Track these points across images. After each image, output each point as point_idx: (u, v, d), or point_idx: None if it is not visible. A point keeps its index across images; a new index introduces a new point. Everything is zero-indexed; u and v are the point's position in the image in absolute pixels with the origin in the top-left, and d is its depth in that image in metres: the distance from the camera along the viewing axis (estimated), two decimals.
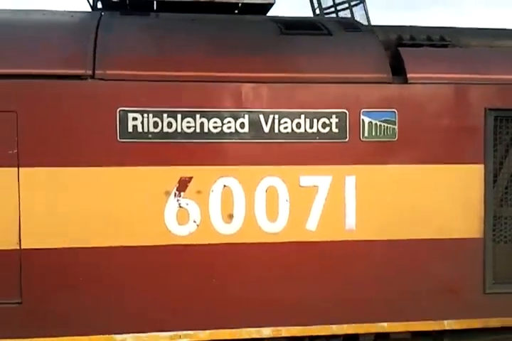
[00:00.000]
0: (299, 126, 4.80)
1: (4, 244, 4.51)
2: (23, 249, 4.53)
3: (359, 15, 14.62)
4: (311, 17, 5.74)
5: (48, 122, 4.54)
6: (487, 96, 5.05)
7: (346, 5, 15.54)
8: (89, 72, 4.56)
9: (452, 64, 5.08)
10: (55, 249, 4.57)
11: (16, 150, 4.49)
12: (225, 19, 5.38)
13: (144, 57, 4.71)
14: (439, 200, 5.02)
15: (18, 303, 4.54)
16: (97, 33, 4.80)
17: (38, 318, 4.58)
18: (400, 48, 5.14)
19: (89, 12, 5.50)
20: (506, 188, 5.17)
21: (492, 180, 5.10)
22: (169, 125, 4.66)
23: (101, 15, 5.21)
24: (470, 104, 5.03)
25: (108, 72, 4.59)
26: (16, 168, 4.50)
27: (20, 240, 4.52)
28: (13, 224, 4.51)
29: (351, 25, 5.48)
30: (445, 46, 5.34)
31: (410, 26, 5.70)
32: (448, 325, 5.12)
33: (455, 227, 5.08)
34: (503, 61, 5.21)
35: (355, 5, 15.21)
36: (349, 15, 14.63)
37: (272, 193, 4.81)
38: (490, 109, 5.04)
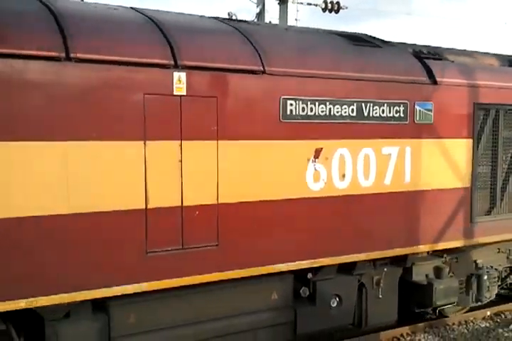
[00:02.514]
0: (383, 111, 6.59)
1: (207, 200, 5.54)
2: (220, 204, 5.61)
3: None
4: (352, 32, 7.35)
5: (236, 106, 5.64)
6: (475, 95, 7.39)
7: None
8: (261, 69, 5.77)
9: (458, 73, 7.32)
10: (240, 202, 5.73)
11: (216, 127, 5.53)
12: (310, 31, 6.90)
13: (296, 59, 6.05)
14: (449, 162, 7.26)
15: (215, 245, 5.63)
16: (248, 39, 5.96)
17: (229, 256, 5.71)
18: (426, 60, 7.20)
19: (216, 18, 6.47)
20: (481, 155, 7.62)
21: (476, 149, 7.49)
22: (311, 110, 6.09)
23: (218, 19, 6.34)
24: (468, 100, 7.33)
25: (274, 69, 5.84)
26: (216, 141, 5.55)
27: (217, 197, 5.60)
28: (213, 184, 5.56)
29: (383, 40, 7.38)
30: (440, 60, 7.54)
31: (411, 44, 7.80)
32: (452, 244, 7.41)
33: (452, 180, 7.36)
34: (481, 73, 7.62)
35: None
36: None
37: (366, 159, 6.53)
38: (476, 103, 7.41)
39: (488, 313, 8.68)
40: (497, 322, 8.51)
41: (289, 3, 13.03)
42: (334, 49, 6.57)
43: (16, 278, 4.68)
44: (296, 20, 13.11)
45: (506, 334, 7.94)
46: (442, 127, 7.11)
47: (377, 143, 6.59)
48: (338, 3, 13.32)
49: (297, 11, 13.20)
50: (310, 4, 13.38)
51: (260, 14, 12.80)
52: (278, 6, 13.23)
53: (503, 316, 8.71)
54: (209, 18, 6.32)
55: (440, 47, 8.05)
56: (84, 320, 5.22)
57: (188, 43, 5.46)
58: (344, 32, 7.34)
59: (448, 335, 7.90)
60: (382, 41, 7.39)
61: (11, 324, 5.00)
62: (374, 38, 7.46)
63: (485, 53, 8.50)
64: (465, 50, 8.32)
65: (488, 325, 8.38)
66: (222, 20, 6.33)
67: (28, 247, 4.71)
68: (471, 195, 7.49)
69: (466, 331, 8.09)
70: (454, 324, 8.29)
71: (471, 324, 8.35)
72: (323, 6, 13.23)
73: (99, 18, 5.29)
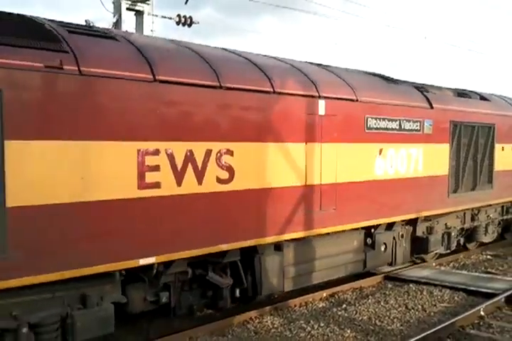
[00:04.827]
0: (410, 125, 9.82)
1: (331, 180, 8.36)
2: (336, 183, 8.47)
3: None
4: (376, 73, 10.52)
5: (343, 121, 8.54)
6: (450, 115, 10.91)
7: None
8: (355, 98, 8.73)
9: (441, 101, 10.79)
10: (344, 182, 8.62)
11: (336, 134, 8.39)
12: (358, 72, 9.97)
13: (369, 92, 9.07)
14: (438, 158, 10.69)
15: (334, 209, 8.46)
16: (344, 80, 8.89)
17: (340, 216, 8.56)
18: (423, 92, 10.55)
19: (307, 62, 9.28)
20: (452, 154, 11.14)
21: (450, 150, 11.01)
22: (379, 124, 9.15)
23: (320, 66, 9.23)
24: (447, 118, 10.82)
25: (362, 98, 8.82)
26: (336, 143, 8.41)
27: (336, 178, 8.44)
28: (334, 170, 8.41)
29: (394, 79, 10.64)
30: (428, 92, 10.94)
31: (407, 81, 11.13)
32: (439, 211, 10.82)
33: (440, 170, 10.81)
34: (450, 100, 11.18)
35: None
36: None
37: (401, 156, 9.73)
38: (451, 121, 10.93)
39: (324, 294, 9.23)
40: (332, 302, 9.00)
41: (145, 15, 12.81)
42: (382, 86, 9.74)
43: (251, 225, 7.24)
44: (151, 31, 12.99)
45: (339, 313, 8.36)
46: (436, 136, 10.54)
47: (407, 146, 9.84)
48: (190, 17, 13.35)
49: (152, 22, 13.03)
50: (164, 17, 13.40)
51: (117, 24, 12.48)
52: (134, 17, 12.96)
53: (336, 297, 9.26)
54: (320, 65, 9.20)
55: (423, 84, 11.51)
56: (271, 255, 7.83)
57: (323, 82, 8.32)
58: (372, 72, 10.52)
59: (291, 316, 8.23)
60: (395, 79, 10.67)
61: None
62: (388, 76, 10.71)
63: (445, 87, 12.13)
64: (436, 86, 11.88)
65: (324, 305, 8.82)
66: (325, 66, 9.24)
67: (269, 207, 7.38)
68: (448, 179, 11.01)
69: (306, 311, 8.48)
70: (295, 305, 8.69)
71: (310, 305, 8.78)
72: (177, 20, 13.25)
73: (279, 67, 8.02)
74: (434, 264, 11.59)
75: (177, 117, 6.34)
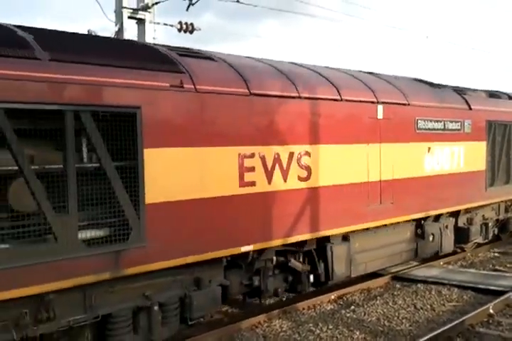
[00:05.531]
0: (452, 126, 10.72)
1: (388, 177, 9.27)
2: (393, 179, 9.37)
3: None
4: (420, 79, 11.48)
5: (397, 123, 9.44)
6: (486, 115, 11.78)
7: None
8: (407, 102, 9.64)
9: (478, 102, 11.67)
10: (400, 178, 9.52)
11: (392, 135, 9.30)
12: (406, 78, 10.88)
13: (418, 96, 9.98)
14: (477, 154, 11.57)
15: (392, 203, 9.36)
16: (397, 87, 9.80)
17: (397, 209, 9.46)
18: (462, 95, 11.44)
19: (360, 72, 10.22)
20: (489, 150, 12.02)
21: (487, 147, 11.88)
22: (427, 125, 10.05)
23: (377, 75, 10.14)
24: (484, 118, 11.70)
25: (412, 102, 9.73)
26: (393, 143, 9.31)
27: (393, 175, 9.36)
28: (391, 168, 9.31)
29: (436, 84, 11.54)
30: (465, 94, 11.81)
31: (447, 85, 12.02)
32: (479, 203, 11.70)
33: (478, 165, 11.69)
34: (485, 101, 12.06)
35: None
36: None
37: (446, 153, 10.62)
38: (487, 120, 11.80)
39: (333, 297, 9.22)
40: (340, 304, 8.98)
41: (147, 23, 12.92)
42: (427, 91, 10.65)
43: (324, 217, 8.17)
44: (153, 38, 13.03)
45: (348, 315, 8.29)
46: (475, 134, 11.43)
47: (451, 144, 10.74)
48: (191, 24, 13.31)
49: (154, 30, 13.10)
50: (166, 24, 13.38)
51: (119, 32, 12.49)
52: (136, 25, 13.10)
53: (344, 298, 9.26)
54: (372, 74, 10.12)
55: (459, 86, 12.39)
56: (340, 244, 8.76)
57: (380, 89, 9.25)
58: (416, 78, 11.42)
59: (299, 319, 8.17)
60: (437, 83, 11.57)
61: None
62: (431, 81, 11.61)
63: (478, 89, 13.01)
64: (470, 88, 12.76)
65: (332, 307, 8.80)
66: (377, 74, 10.15)
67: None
68: (485, 174, 11.90)
69: (314, 314, 8.43)
70: (303, 309, 8.62)
71: (318, 307, 8.73)
72: (179, 27, 13.27)
73: (343, 78, 8.96)
74: (441, 263, 11.56)
75: (267, 124, 7.28)
